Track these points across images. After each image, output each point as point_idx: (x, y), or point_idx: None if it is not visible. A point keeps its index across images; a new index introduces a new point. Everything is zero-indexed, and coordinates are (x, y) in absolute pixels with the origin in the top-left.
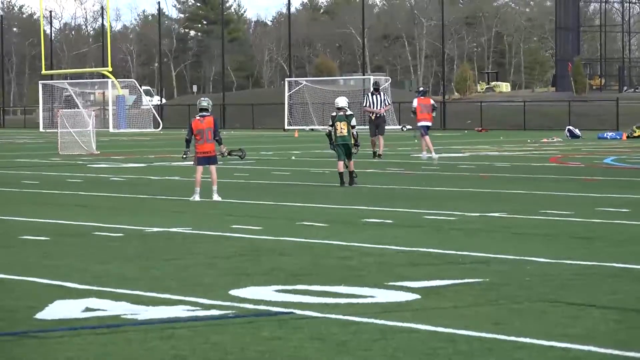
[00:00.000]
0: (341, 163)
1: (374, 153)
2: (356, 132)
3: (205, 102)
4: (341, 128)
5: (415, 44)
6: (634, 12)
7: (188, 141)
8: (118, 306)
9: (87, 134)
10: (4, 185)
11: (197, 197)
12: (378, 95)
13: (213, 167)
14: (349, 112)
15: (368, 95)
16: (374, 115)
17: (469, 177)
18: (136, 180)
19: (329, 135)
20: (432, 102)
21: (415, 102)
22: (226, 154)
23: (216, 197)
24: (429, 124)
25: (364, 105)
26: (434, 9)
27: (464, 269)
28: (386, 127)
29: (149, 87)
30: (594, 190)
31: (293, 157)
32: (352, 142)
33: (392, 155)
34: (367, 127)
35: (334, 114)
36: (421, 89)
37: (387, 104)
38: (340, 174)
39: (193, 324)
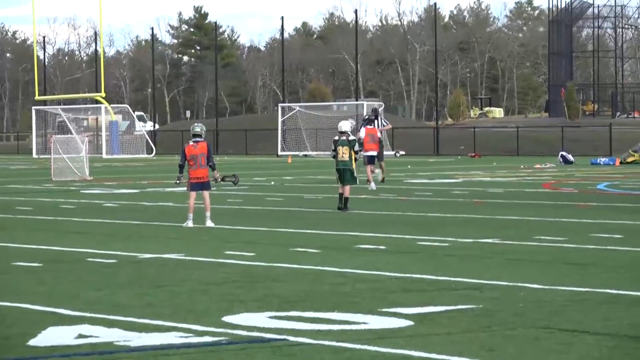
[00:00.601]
0: (341, 188)
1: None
2: (359, 156)
3: (198, 127)
4: (342, 153)
5: (409, 69)
6: (627, 38)
7: (181, 167)
8: (111, 333)
9: (81, 159)
10: None
11: (190, 224)
12: (376, 121)
13: (206, 193)
14: (351, 137)
15: (365, 122)
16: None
17: (463, 203)
18: (129, 206)
19: (335, 158)
20: (379, 133)
21: (362, 132)
22: (219, 179)
23: (209, 223)
24: (375, 153)
25: (359, 128)
26: (427, 34)
27: (458, 295)
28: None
29: (142, 113)
30: (587, 216)
31: (272, 182)
32: (354, 166)
33: (386, 181)
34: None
35: (337, 137)
36: (366, 117)
37: (384, 124)
38: (340, 195)
39: (186, 350)
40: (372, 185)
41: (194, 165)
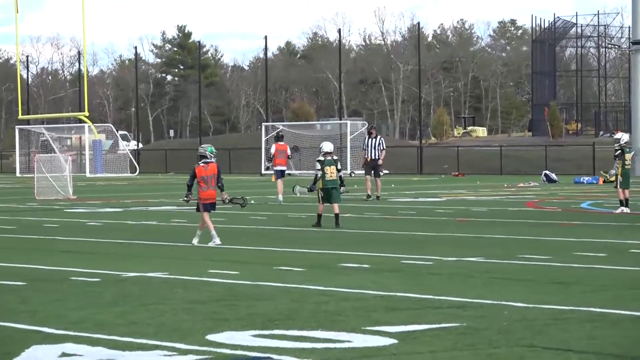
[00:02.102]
0: (321, 206)
1: (368, 196)
2: (342, 174)
3: (207, 149)
4: (331, 172)
5: (392, 88)
6: (610, 57)
7: (189, 187)
8: (95, 351)
9: (64, 178)
10: None
11: (217, 241)
12: (374, 139)
13: (207, 214)
14: (335, 157)
15: (365, 138)
16: (370, 157)
17: (446, 222)
18: (113, 225)
19: (316, 178)
20: (288, 149)
21: (273, 148)
22: (227, 201)
23: (217, 241)
24: (284, 168)
25: (363, 147)
26: (410, 53)
27: (442, 313)
28: (361, 172)
29: (125, 132)
30: (571, 235)
31: (252, 201)
32: (339, 184)
33: (370, 200)
34: (363, 170)
35: (322, 158)
36: (278, 134)
37: (382, 148)
38: (320, 215)
39: None
40: (280, 198)
41: (205, 186)
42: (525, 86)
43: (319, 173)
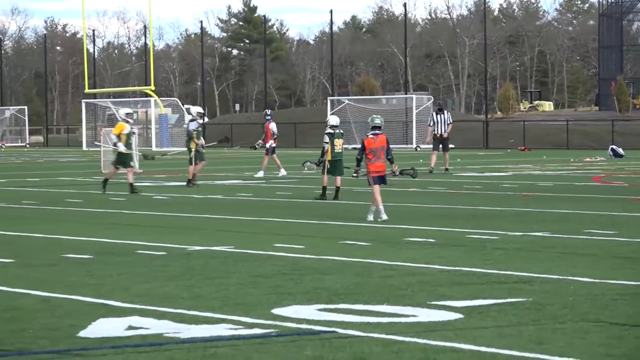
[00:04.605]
0: (326, 178)
1: (431, 170)
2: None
3: (378, 119)
4: (339, 145)
5: (458, 62)
6: None
7: (359, 160)
8: (161, 325)
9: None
10: (48, 203)
11: (384, 216)
12: (442, 115)
13: (377, 187)
14: (341, 131)
15: (432, 114)
16: (439, 133)
17: (512, 197)
18: (179, 199)
19: (323, 151)
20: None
21: (273, 127)
22: (398, 172)
23: (384, 217)
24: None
25: (429, 124)
26: (476, 27)
27: (507, 288)
28: (429, 146)
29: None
30: (638, 210)
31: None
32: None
33: (434, 174)
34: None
35: (331, 131)
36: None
37: (449, 122)
38: (325, 188)
39: (235, 342)
40: (283, 171)
41: (373, 158)
42: (592, 60)
43: (327, 146)
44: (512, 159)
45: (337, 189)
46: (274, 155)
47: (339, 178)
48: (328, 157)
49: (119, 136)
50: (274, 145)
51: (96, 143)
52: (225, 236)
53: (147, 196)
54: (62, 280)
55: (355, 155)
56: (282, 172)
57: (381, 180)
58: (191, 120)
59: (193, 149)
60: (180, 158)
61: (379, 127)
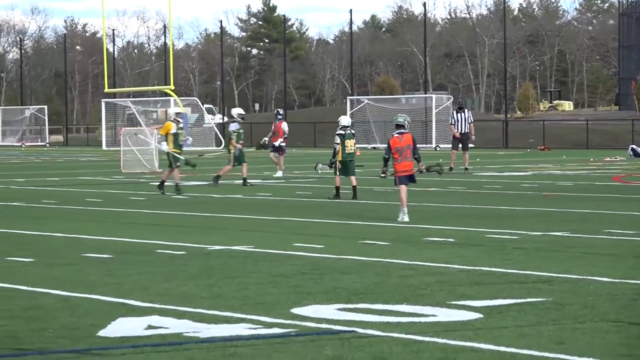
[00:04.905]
0: (338, 178)
1: (451, 168)
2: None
3: (401, 118)
4: (350, 145)
5: (477, 62)
6: None
7: (386, 160)
8: (180, 324)
9: (150, 152)
10: (68, 203)
11: (405, 218)
12: (463, 113)
13: (404, 187)
14: (352, 131)
15: (453, 113)
16: (459, 132)
17: (532, 196)
18: (199, 199)
19: (335, 152)
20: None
21: (285, 126)
22: (424, 170)
23: (405, 218)
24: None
25: (450, 123)
26: (495, 27)
27: (527, 288)
28: (444, 146)
29: (211, 106)
30: None
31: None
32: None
33: (453, 173)
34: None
35: (342, 132)
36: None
37: (470, 122)
38: (338, 188)
39: (255, 342)
40: (280, 173)
41: (399, 158)
42: (612, 60)
43: (338, 147)
44: (531, 159)
45: (354, 188)
46: (281, 156)
47: (353, 177)
48: (339, 157)
49: (165, 136)
50: (284, 144)
51: (156, 145)
52: (245, 236)
53: (166, 195)
54: (82, 279)
55: (381, 155)
56: (279, 173)
57: (409, 179)
58: (232, 122)
59: (232, 151)
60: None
61: (402, 126)
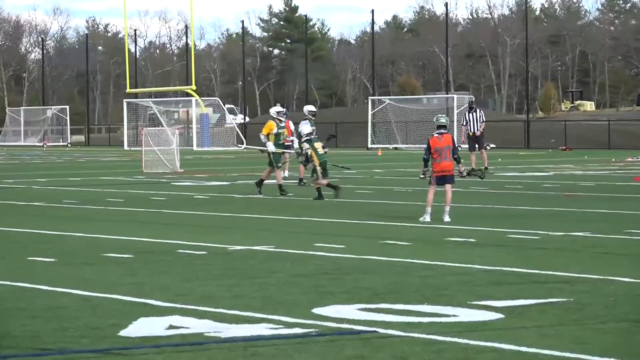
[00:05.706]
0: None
1: (472, 170)
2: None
3: (443, 118)
4: (320, 147)
5: (499, 62)
6: None
7: (426, 160)
8: (201, 324)
9: (171, 152)
10: (89, 202)
11: (427, 218)
12: (474, 113)
13: (449, 187)
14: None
15: (465, 113)
16: (472, 132)
17: (553, 196)
18: (220, 199)
19: (308, 158)
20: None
21: (292, 125)
22: (465, 173)
23: (447, 219)
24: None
25: (462, 123)
26: (517, 27)
27: (548, 288)
28: (465, 146)
29: (232, 106)
30: None
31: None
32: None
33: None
34: (467, 145)
35: (308, 138)
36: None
37: (482, 121)
38: (319, 189)
39: (276, 342)
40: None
41: (439, 158)
42: (634, 60)
43: (310, 151)
44: (553, 159)
45: (336, 186)
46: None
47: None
48: (316, 162)
49: (267, 136)
50: (288, 144)
51: (238, 145)
52: (265, 235)
53: (187, 195)
54: (102, 279)
55: (426, 155)
56: (286, 173)
57: (448, 179)
58: (303, 120)
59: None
60: (223, 158)
61: (444, 127)
